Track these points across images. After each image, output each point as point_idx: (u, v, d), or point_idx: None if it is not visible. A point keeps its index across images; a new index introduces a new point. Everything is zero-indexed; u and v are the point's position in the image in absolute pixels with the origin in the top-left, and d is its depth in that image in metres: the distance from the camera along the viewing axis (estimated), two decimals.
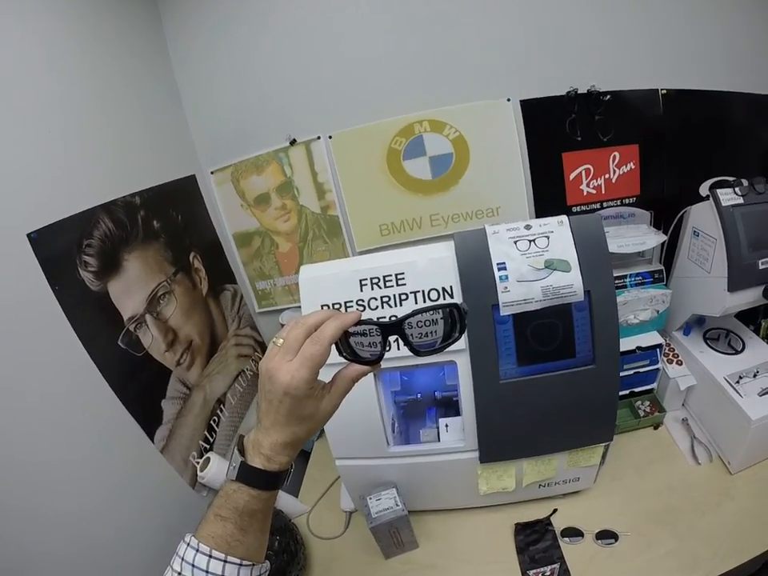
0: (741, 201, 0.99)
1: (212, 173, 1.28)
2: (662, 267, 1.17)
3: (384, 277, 0.85)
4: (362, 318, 0.50)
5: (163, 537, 0.88)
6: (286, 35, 1.13)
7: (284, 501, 1.08)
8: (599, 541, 0.92)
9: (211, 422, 1.09)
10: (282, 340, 0.49)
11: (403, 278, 0.84)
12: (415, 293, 0.84)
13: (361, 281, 0.85)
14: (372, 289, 0.85)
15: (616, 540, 0.91)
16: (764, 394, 0.97)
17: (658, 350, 1.12)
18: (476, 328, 0.81)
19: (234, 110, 1.20)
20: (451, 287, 0.83)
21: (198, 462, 0.99)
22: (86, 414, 0.78)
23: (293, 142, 1.22)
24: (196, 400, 1.05)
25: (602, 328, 0.82)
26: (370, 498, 0.91)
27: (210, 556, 0.48)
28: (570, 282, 0.79)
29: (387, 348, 0.52)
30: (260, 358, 1.39)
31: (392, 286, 0.85)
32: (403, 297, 0.84)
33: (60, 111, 0.82)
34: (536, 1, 1.09)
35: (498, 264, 0.81)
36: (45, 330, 0.73)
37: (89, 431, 0.78)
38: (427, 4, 1.10)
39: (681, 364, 1.14)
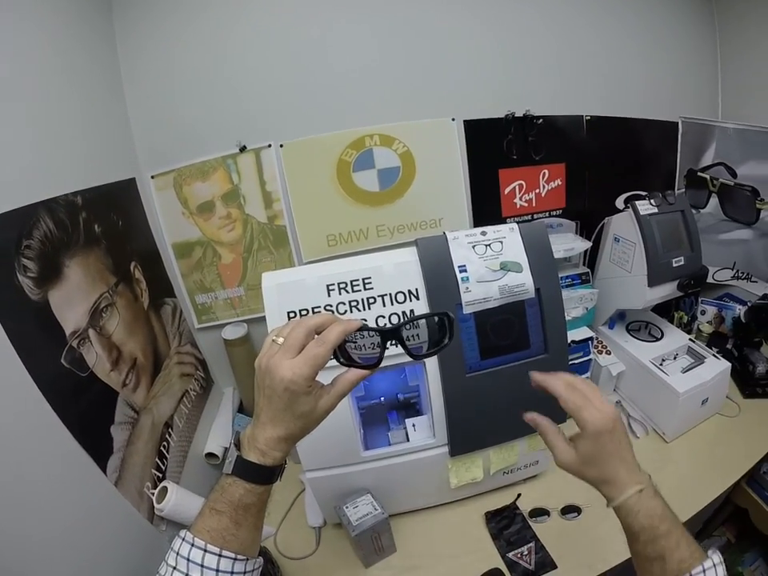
0: (655, 210, 1.17)
1: (152, 177, 1.19)
2: (588, 270, 1.32)
3: (351, 281, 0.87)
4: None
5: None
6: (243, 40, 1.12)
7: None
8: (565, 516, 0.99)
9: (161, 447, 1.00)
10: (281, 339, 0.50)
11: (370, 282, 0.87)
12: (383, 296, 0.87)
13: (328, 286, 0.86)
14: (340, 294, 0.86)
15: (579, 513, 0.99)
16: (686, 371, 1.14)
17: (589, 342, 1.26)
18: None
19: (182, 111, 1.14)
20: (417, 289, 0.87)
21: (153, 494, 0.90)
22: (30, 444, 0.66)
23: (243, 149, 1.19)
24: (144, 425, 0.95)
25: (552, 321, 0.91)
26: (347, 507, 0.89)
27: (205, 550, 0.49)
28: (523, 281, 0.88)
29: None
30: (201, 377, 1.33)
31: (359, 290, 0.87)
32: (371, 300, 0.87)
33: None
34: (483, 34, 1.23)
35: (459, 267, 0.87)
36: None
37: (35, 462, 0.66)
38: (385, 25, 1.17)
39: (609, 353, 1.29)
